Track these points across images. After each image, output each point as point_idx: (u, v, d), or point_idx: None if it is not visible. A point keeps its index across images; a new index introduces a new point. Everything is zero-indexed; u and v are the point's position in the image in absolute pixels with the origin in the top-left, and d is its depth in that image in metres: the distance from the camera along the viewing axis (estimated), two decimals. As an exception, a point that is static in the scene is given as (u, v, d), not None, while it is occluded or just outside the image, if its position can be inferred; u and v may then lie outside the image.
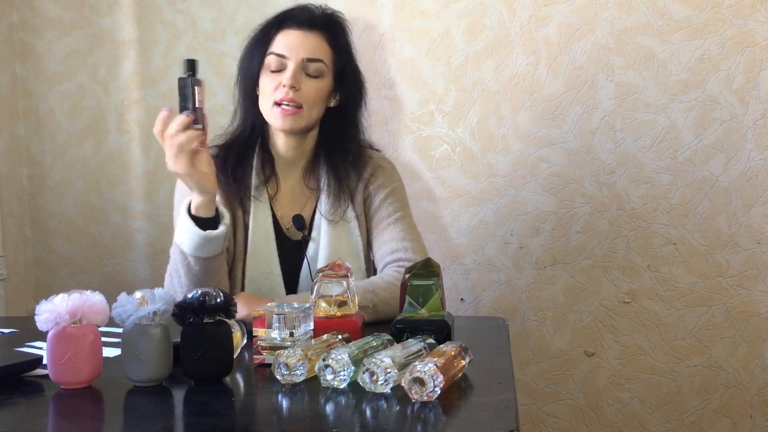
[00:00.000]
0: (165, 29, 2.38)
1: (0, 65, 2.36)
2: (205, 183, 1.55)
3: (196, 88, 1.49)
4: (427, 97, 2.31)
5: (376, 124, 2.33)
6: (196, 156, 1.54)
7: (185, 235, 1.58)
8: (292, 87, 1.70)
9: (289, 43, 1.73)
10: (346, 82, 1.80)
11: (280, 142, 1.79)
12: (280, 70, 1.72)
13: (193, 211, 1.58)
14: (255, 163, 1.79)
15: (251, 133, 1.80)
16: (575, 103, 2.26)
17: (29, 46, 2.41)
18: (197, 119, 1.50)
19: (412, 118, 2.32)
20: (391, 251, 1.76)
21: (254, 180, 1.78)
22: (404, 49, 2.31)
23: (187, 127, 1.50)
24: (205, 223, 1.57)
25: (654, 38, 2.23)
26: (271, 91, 1.72)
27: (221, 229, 1.58)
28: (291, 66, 1.72)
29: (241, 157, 1.79)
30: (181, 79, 1.49)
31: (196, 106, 1.50)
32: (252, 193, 1.77)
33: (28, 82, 2.42)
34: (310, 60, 1.73)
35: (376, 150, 1.90)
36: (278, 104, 1.71)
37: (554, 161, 2.28)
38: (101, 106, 2.41)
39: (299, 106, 1.71)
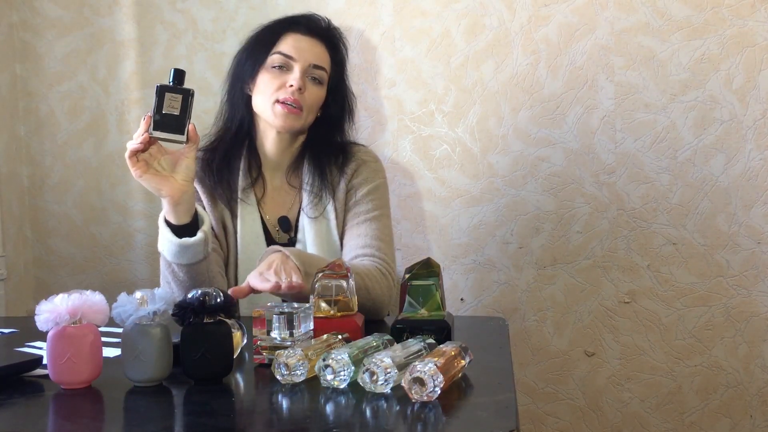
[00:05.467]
0: (165, 29, 2.38)
1: (0, 65, 2.36)
2: (159, 186, 1.52)
3: (167, 95, 1.46)
4: (427, 97, 2.31)
5: (376, 124, 2.33)
6: (177, 161, 1.52)
7: (164, 244, 1.57)
8: (299, 89, 1.72)
9: (297, 46, 1.76)
10: (338, 96, 1.83)
11: (269, 142, 1.79)
12: (283, 68, 1.74)
13: (165, 217, 1.57)
14: (242, 164, 1.78)
15: (237, 132, 1.80)
16: (575, 103, 2.26)
17: (29, 46, 2.41)
18: (158, 126, 1.47)
19: (412, 118, 2.32)
20: (363, 245, 1.74)
21: (241, 182, 1.77)
22: (404, 49, 2.31)
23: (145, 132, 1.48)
24: (183, 229, 1.56)
25: (654, 38, 2.23)
26: (273, 88, 1.73)
27: (198, 236, 1.56)
28: (298, 68, 1.74)
29: (228, 158, 1.78)
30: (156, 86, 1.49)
31: (163, 112, 1.46)
32: (239, 196, 1.77)
33: (28, 82, 2.42)
34: (316, 66, 1.77)
35: (361, 145, 1.90)
36: (279, 102, 1.71)
37: (554, 161, 2.28)
38: (101, 106, 2.41)
39: (300, 108, 1.72)
